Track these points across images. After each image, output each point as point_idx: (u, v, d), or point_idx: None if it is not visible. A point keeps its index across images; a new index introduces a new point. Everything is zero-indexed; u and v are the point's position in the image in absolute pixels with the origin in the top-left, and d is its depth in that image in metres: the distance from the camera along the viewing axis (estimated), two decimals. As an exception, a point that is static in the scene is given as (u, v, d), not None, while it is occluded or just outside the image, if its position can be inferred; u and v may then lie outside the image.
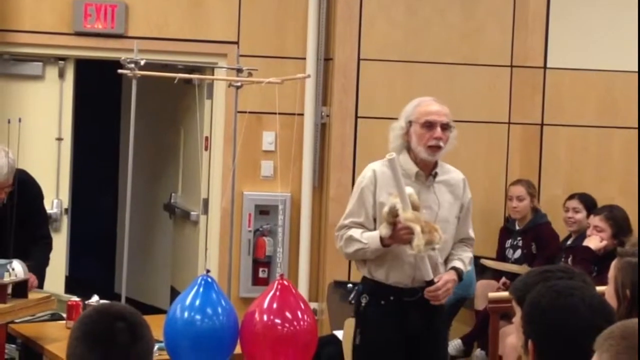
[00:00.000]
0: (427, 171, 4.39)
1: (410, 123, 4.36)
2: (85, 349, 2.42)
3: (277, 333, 3.98)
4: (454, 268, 4.39)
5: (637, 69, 6.94)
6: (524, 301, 2.58)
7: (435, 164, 4.40)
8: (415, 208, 4.15)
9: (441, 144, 4.31)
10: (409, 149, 4.38)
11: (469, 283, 6.20)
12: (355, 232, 4.32)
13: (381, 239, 4.23)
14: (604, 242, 5.83)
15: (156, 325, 4.87)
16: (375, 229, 4.30)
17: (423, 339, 4.35)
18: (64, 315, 5.03)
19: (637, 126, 7.00)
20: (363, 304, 4.36)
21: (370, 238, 4.28)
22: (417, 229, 4.10)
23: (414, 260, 4.29)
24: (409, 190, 4.17)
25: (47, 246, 5.47)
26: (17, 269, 4.70)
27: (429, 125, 4.32)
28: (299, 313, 4.02)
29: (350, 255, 4.44)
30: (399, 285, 4.32)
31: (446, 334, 4.84)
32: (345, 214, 4.41)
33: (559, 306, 2.47)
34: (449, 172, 4.48)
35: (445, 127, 4.33)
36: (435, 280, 4.28)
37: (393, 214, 4.15)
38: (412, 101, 4.46)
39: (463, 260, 4.44)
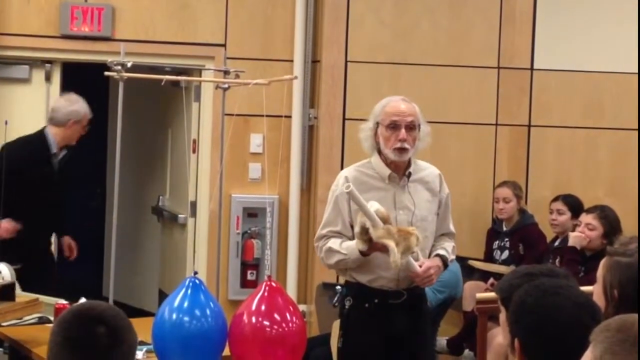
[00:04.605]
0: (401, 171, 4.35)
1: (377, 124, 4.33)
2: (66, 353, 2.40)
3: (265, 335, 3.97)
4: (438, 255, 4.38)
5: (623, 70, 6.98)
6: (509, 301, 2.58)
7: (409, 164, 4.37)
8: (384, 220, 4.11)
9: (406, 145, 4.26)
10: (379, 150, 4.36)
11: (456, 283, 6.21)
12: (334, 243, 4.29)
13: (359, 251, 4.21)
14: (587, 240, 5.86)
15: (144, 327, 4.86)
16: (354, 235, 4.26)
17: (408, 340, 4.35)
18: (52, 318, 5.01)
19: (624, 127, 7.04)
20: (347, 307, 4.35)
21: (349, 249, 4.25)
22: (392, 244, 4.06)
23: (396, 267, 4.29)
24: (374, 205, 4.13)
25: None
26: (4, 272, 4.69)
27: (394, 127, 4.28)
28: (288, 315, 4.02)
29: (332, 266, 4.41)
30: (384, 288, 4.32)
31: (433, 334, 4.84)
32: (322, 223, 4.38)
33: (545, 305, 2.47)
34: (424, 169, 4.45)
35: (410, 127, 4.29)
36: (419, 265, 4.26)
37: (364, 232, 4.13)
38: (382, 101, 4.42)
39: (446, 248, 4.43)
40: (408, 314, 4.33)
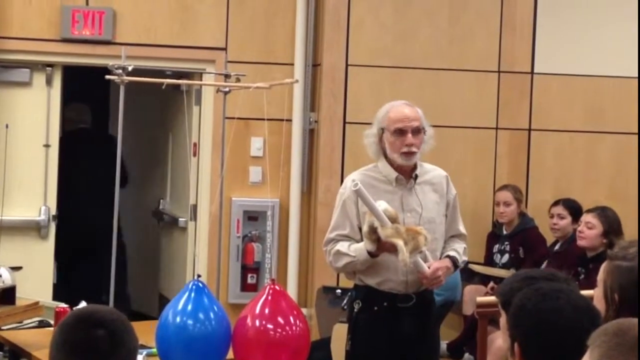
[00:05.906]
0: (407, 174, 4.36)
1: (382, 130, 4.34)
2: (66, 356, 2.41)
3: (269, 338, 3.98)
4: (448, 256, 4.38)
5: (623, 75, 6.99)
6: (509, 305, 2.58)
7: (415, 166, 4.38)
8: (393, 220, 4.12)
9: (414, 149, 4.29)
10: (385, 154, 4.37)
11: (455, 286, 6.20)
12: (342, 246, 4.29)
13: (368, 251, 4.22)
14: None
15: (145, 331, 4.87)
16: (362, 238, 4.27)
17: (416, 344, 4.35)
18: (52, 322, 5.02)
19: (624, 131, 7.04)
20: (355, 310, 4.35)
21: (357, 250, 4.26)
22: (400, 243, 4.07)
23: (405, 266, 4.29)
24: (382, 205, 4.14)
25: None
26: (4, 275, 4.69)
27: (400, 133, 4.29)
28: (291, 318, 4.03)
29: (340, 269, 4.42)
30: (393, 291, 4.32)
31: (438, 338, 4.84)
32: (330, 227, 4.39)
33: (545, 308, 2.48)
34: (430, 172, 4.46)
35: (416, 131, 4.31)
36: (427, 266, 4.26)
37: (373, 231, 4.14)
38: (384, 106, 4.42)
39: (456, 250, 4.43)
40: (417, 318, 4.33)
